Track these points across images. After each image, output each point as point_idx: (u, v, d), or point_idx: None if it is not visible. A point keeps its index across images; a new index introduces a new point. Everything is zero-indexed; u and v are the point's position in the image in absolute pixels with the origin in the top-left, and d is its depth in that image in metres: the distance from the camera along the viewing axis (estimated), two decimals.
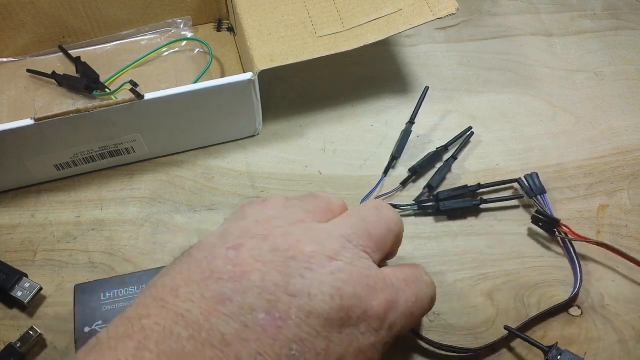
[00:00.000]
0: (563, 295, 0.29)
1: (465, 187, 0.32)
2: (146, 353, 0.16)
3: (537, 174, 0.32)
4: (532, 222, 0.31)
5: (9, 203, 0.32)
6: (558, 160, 0.34)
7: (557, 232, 0.30)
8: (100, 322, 0.25)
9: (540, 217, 0.30)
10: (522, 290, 0.29)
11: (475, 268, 0.30)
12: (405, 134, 0.34)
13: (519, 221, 0.32)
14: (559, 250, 0.31)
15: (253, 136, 0.35)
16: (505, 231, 0.31)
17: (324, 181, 0.33)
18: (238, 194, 0.33)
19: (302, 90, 0.37)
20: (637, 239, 0.31)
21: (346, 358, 0.18)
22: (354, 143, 0.35)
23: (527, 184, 0.32)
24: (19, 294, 0.28)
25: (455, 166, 0.34)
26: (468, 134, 0.34)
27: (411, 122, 0.34)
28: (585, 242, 0.30)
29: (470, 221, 0.32)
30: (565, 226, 0.30)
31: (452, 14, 0.32)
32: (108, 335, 0.17)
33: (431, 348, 0.27)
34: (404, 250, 0.31)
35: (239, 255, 0.19)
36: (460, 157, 0.34)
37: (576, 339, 0.28)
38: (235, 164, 0.34)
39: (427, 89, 0.34)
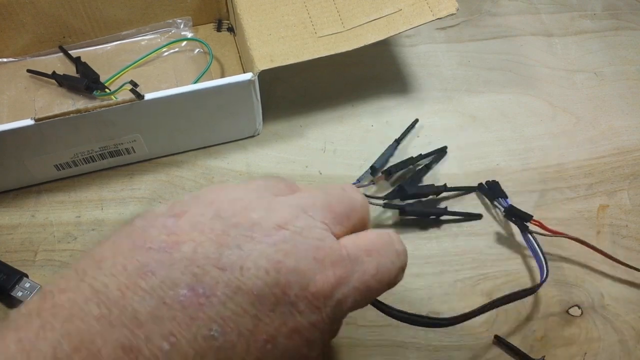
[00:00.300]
0: (563, 296, 0.29)
1: (432, 185, 0.32)
2: (49, 333, 0.15)
3: (497, 182, 0.32)
4: (504, 216, 0.31)
5: (9, 203, 0.32)
6: (558, 160, 0.34)
7: (529, 227, 0.30)
8: None
9: (513, 211, 0.30)
10: None
11: (475, 268, 0.30)
12: (389, 149, 0.34)
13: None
14: (558, 250, 0.31)
15: (253, 136, 0.35)
16: (505, 231, 0.31)
17: (324, 181, 0.33)
18: None
19: (303, 90, 0.37)
20: (637, 239, 0.31)
21: (277, 339, 0.16)
22: (354, 143, 0.35)
23: (486, 188, 0.32)
24: (20, 294, 0.28)
25: (455, 166, 0.34)
26: (441, 152, 0.34)
27: (397, 141, 0.34)
28: (558, 236, 0.30)
29: (470, 221, 0.32)
30: (537, 221, 0.30)
31: (452, 14, 0.32)
32: (19, 311, 0.16)
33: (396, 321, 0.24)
34: None
35: (177, 223, 0.17)
36: (460, 156, 0.34)
37: (576, 339, 0.28)
38: (235, 164, 0.34)
39: (416, 121, 0.35)
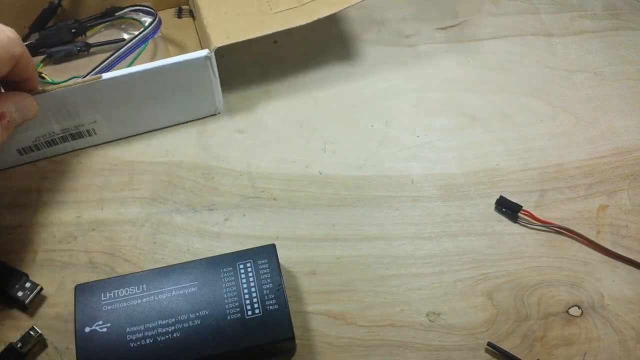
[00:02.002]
0: (563, 296, 0.29)
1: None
2: None
3: None
4: (495, 208, 0.32)
5: (10, 203, 0.32)
6: (558, 160, 0.34)
7: (519, 217, 0.31)
8: (100, 322, 0.25)
9: (504, 202, 0.31)
10: (522, 290, 0.29)
11: (475, 268, 0.30)
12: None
13: (519, 222, 0.32)
14: (558, 250, 0.31)
15: (214, 115, 0.35)
16: (505, 231, 0.31)
17: (324, 181, 0.33)
18: (238, 194, 0.33)
19: (303, 90, 0.37)
20: (637, 239, 0.31)
21: None
22: (354, 143, 0.35)
23: None
24: (20, 294, 0.28)
25: (454, 166, 0.34)
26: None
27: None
28: (547, 225, 0.31)
29: (470, 221, 0.32)
30: (527, 211, 0.31)
31: None
32: None
33: None
34: (404, 249, 0.31)
35: None
36: (460, 156, 0.34)
37: (576, 339, 0.28)
38: (236, 164, 0.34)
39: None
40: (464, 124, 0.36)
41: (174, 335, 0.24)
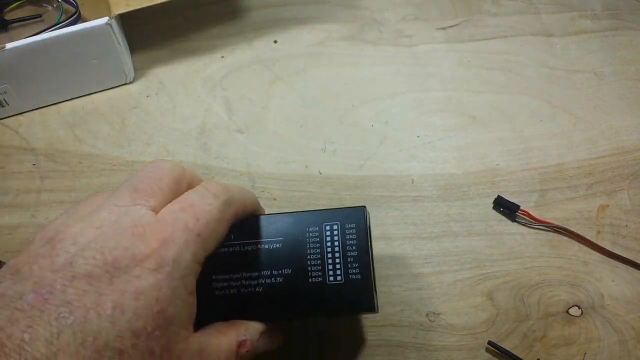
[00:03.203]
0: (563, 296, 0.29)
1: None
2: None
3: None
4: (493, 207, 0.32)
5: (10, 203, 0.32)
6: (558, 160, 0.34)
7: (517, 217, 0.32)
8: None
9: (502, 202, 0.32)
10: (522, 290, 0.29)
11: (475, 268, 0.30)
12: None
13: (517, 221, 0.32)
14: (558, 250, 0.31)
15: (126, 84, 0.37)
16: (505, 231, 0.31)
17: (324, 181, 0.33)
18: None
19: (302, 91, 0.37)
20: (637, 239, 0.31)
21: (125, 303, 0.19)
22: (354, 143, 0.35)
23: None
24: None
25: (454, 166, 0.34)
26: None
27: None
28: (544, 225, 0.31)
29: (470, 221, 0.32)
30: (524, 211, 0.31)
31: None
32: None
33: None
34: (404, 249, 0.31)
35: (18, 258, 0.21)
36: (460, 156, 0.34)
37: (576, 339, 0.28)
38: (236, 165, 0.34)
39: None
40: (464, 124, 0.36)
41: (257, 289, 0.24)
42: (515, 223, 0.32)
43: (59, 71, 0.34)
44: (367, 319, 0.28)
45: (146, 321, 0.19)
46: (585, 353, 0.28)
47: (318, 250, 0.24)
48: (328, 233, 0.25)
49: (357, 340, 0.28)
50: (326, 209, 0.25)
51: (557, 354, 0.28)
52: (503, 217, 0.32)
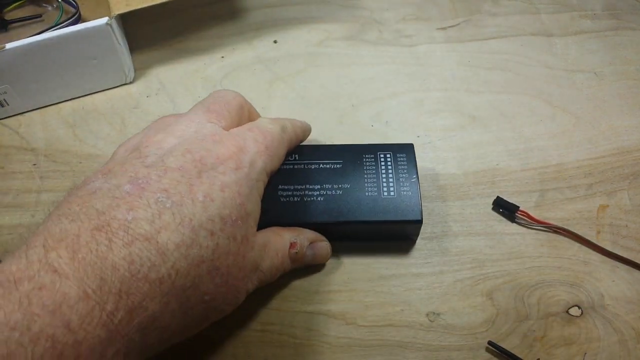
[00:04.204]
0: (563, 296, 0.29)
1: None
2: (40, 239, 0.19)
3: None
4: (492, 208, 0.32)
5: (9, 203, 0.32)
6: (558, 160, 0.34)
7: (516, 218, 0.32)
8: None
9: (501, 202, 0.32)
10: (522, 290, 0.29)
11: (475, 268, 0.30)
12: None
13: (517, 222, 0.32)
14: (558, 250, 0.31)
15: (126, 84, 0.37)
16: (505, 231, 0.31)
17: None
18: None
19: (302, 90, 0.37)
20: (637, 239, 0.31)
21: (213, 193, 0.22)
22: (354, 143, 0.35)
23: None
24: None
25: (454, 166, 0.34)
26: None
27: None
28: (544, 225, 0.31)
29: (470, 221, 0.32)
30: (524, 212, 0.31)
31: None
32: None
33: None
34: (404, 249, 0.31)
35: (105, 166, 0.23)
36: (460, 156, 0.34)
37: (576, 339, 0.28)
38: None
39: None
40: (464, 124, 0.36)
41: (319, 199, 0.28)
42: (515, 224, 0.32)
43: (59, 71, 0.34)
44: (367, 319, 0.29)
45: (231, 210, 0.22)
46: (586, 353, 0.28)
47: (374, 171, 0.29)
48: (382, 159, 0.30)
49: (357, 340, 0.28)
50: (379, 143, 0.30)
51: (557, 354, 0.28)
52: (502, 218, 0.32)
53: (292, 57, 0.39)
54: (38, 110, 0.36)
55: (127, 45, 0.37)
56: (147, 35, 0.40)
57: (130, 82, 0.37)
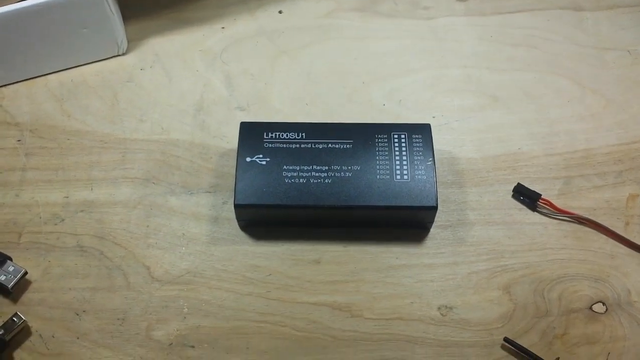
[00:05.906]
0: (587, 291, 0.29)
1: None
2: None
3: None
4: (512, 196, 0.32)
5: None
6: (585, 145, 0.34)
7: (538, 206, 0.32)
8: (260, 156, 0.29)
9: (522, 189, 0.32)
10: (543, 284, 0.29)
11: (492, 259, 0.30)
12: None
13: (539, 210, 0.31)
14: (583, 242, 0.30)
15: (118, 55, 0.36)
16: (526, 220, 0.31)
17: None
18: None
19: (309, 66, 0.37)
20: None
21: None
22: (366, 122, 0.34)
23: None
24: (2, 277, 0.28)
25: (473, 150, 0.33)
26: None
27: None
28: (567, 215, 0.31)
29: (488, 209, 0.31)
30: (546, 200, 0.31)
31: None
32: None
33: None
34: (416, 238, 0.30)
35: None
36: (479, 139, 0.34)
37: (599, 337, 0.28)
38: (236, 144, 0.33)
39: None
40: (484, 104, 0.35)
41: (326, 181, 0.28)
42: (536, 213, 0.31)
43: (46, 41, 0.34)
44: (375, 312, 0.28)
45: None
46: (609, 353, 0.27)
47: (386, 153, 0.29)
48: (396, 140, 0.29)
49: (364, 334, 0.28)
50: (393, 123, 0.30)
51: (579, 353, 0.27)
52: (523, 206, 0.32)
53: (298, 29, 0.39)
54: (23, 83, 0.36)
55: (120, 14, 0.37)
56: (141, 3, 0.40)
57: (123, 54, 0.37)
